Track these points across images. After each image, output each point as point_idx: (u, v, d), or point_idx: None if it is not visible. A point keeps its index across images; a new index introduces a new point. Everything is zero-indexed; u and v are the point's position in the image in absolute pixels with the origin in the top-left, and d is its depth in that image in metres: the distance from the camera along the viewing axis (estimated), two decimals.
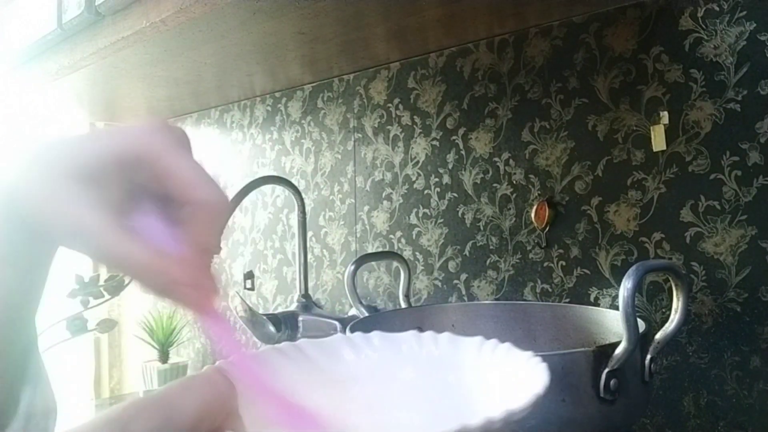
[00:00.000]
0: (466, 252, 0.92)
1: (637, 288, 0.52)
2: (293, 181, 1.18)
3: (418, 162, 0.99)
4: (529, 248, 0.85)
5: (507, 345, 0.36)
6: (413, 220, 1.00)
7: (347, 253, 1.12)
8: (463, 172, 0.93)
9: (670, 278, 0.56)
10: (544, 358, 0.34)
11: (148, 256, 0.29)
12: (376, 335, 0.40)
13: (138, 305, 1.69)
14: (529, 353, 0.34)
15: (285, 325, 1.00)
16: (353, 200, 1.11)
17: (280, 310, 1.07)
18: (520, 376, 0.33)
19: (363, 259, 0.87)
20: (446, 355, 0.38)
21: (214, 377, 0.29)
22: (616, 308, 0.53)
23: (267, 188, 1.30)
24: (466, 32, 0.89)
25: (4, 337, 0.34)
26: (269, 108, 1.29)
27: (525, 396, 0.29)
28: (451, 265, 0.94)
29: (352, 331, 0.63)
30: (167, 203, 0.31)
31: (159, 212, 0.31)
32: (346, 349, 0.39)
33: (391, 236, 1.04)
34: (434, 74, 0.97)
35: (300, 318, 1.04)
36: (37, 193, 0.29)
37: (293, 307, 1.08)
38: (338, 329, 1.04)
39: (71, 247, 0.30)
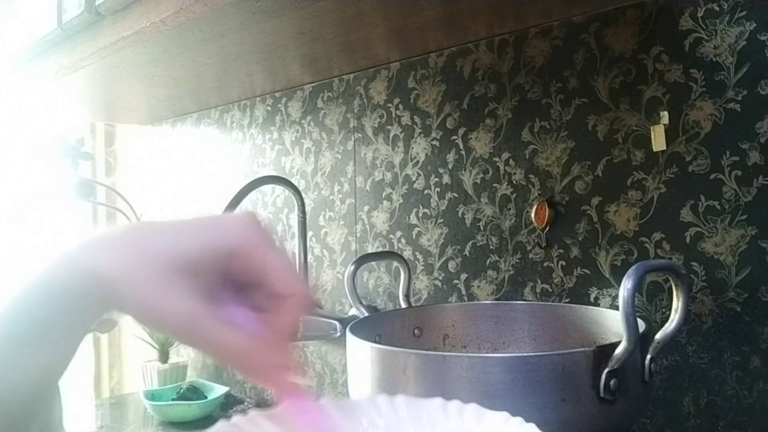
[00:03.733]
0: (466, 252, 0.92)
1: (637, 288, 0.52)
2: (293, 181, 1.18)
3: (418, 162, 0.99)
4: (529, 248, 0.85)
5: (532, 426, 0.36)
6: (413, 220, 1.00)
7: (347, 253, 1.12)
8: (463, 172, 0.93)
9: (670, 278, 0.56)
10: (544, 358, 0.34)
11: (239, 340, 0.32)
12: (401, 400, 0.40)
13: None
14: (532, 425, 0.34)
15: None
16: (353, 200, 1.11)
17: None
18: None
19: (363, 259, 0.87)
20: (470, 427, 0.39)
21: None
22: (616, 308, 0.53)
23: (267, 188, 1.30)
24: (466, 32, 0.89)
25: (40, 399, 0.35)
26: (269, 108, 1.29)
27: None
28: (451, 265, 0.94)
29: (353, 331, 0.63)
30: (248, 290, 0.34)
31: (242, 299, 0.34)
32: (370, 411, 0.40)
33: (391, 236, 1.04)
34: (434, 74, 0.97)
35: (300, 318, 1.03)
36: (145, 283, 0.31)
37: None
38: (338, 329, 1.04)
39: (160, 330, 0.33)
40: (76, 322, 0.33)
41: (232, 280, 0.34)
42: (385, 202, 1.05)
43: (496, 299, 0.88)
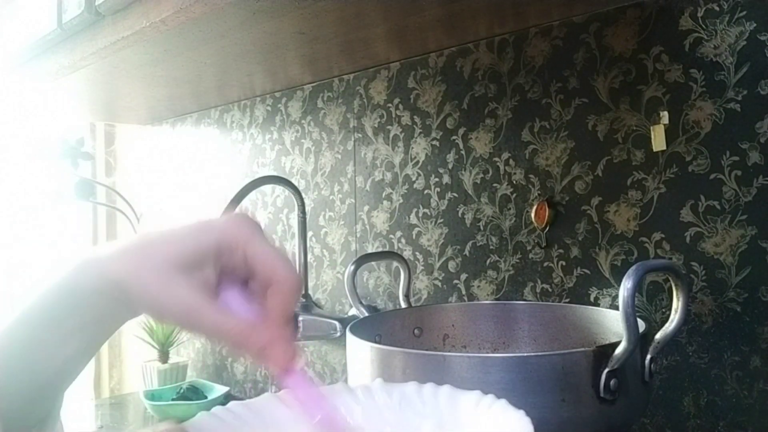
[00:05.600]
0: (466, 252, 0.92)
1: (637, 288, 0.52)
2: (293, 181, 1.18)
3: (418, 162, 0.99)
4: (529, 248, 0.85)
5: (503, 402, 0.38)
6: (413, 220, 1.00)
7: (347, 253, 1.12)
8: (463, 172, 0.93)
9: (670, 278, 0.56)
10: (544, 358, 0.34)
11: (242, 326, 0.36)
12: (377, 385, 0.42)
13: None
14: (521, 412, 0.37)
15: None
16: (353, 200, 1.11)
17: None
18: (509, 428, 0.36)
19: (363, 259, 0.87)
20: (444, 408, 0.41)
21: None
22: (616, 308, 0.53)
23: (267, 188, 1.30)
24: (466, 32, 0.89)
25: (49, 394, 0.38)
26: (269, 108, 1.29)
27: None
28: (451, 265, 0.94)
29: (353, 331, 0.63)
30: (245, 281, 0.38)
31: (242, 289, 0.38)
32: (346, 397, 0.41)
33: (391, 236, 1.04)
34: (434, 74, 0.97)
35: (300, 318, 1.04)
36: (150, 282, 0.35)
37: None
38: (338, 329, 1.04)
39: (167, 322, 0.37)
40: (92, 319, 0.37)
41: (230, 273, 0.38)
42: (385, 202, 1.05)
43: (496, 299, 0.88)
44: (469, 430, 0.39)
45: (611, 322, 0.68)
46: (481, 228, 0.90)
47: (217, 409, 0.38)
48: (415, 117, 1.00)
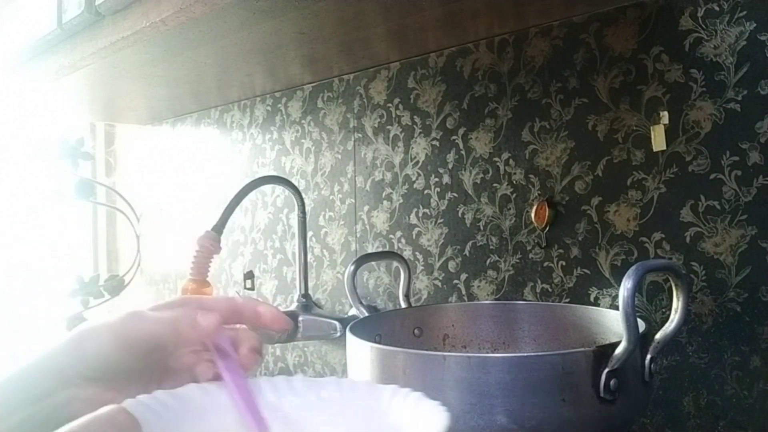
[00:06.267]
0: (466, 252, 0.92)
1: (637, 288, 0.52)
2: (293, 181, 1.18)
3: (418, 162, 1.00)
4: (529, 248, 0.85)
5: (418, 395, 0.41)
6: (413, 220, 1.00)
7: (347, 253, 1.12)
8: (463, 172, 0.93)
9: (670, 278, 0.56)
10: (544, 358, 0.34)
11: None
12: (298, 379, 0.45)
13: (138, 305, 1.69)
14: (437, 402, 0.38)
15: None
16: (353, 200, 1.11)
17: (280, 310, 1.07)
18: (426, 421, 0.38)
19: (363, 259, 0.87)
20: (363, 401, 0.43)
21: (118, 417, 0.33)
22: (616, 308, 0.53)
23: (267, 188, 1.30)
24: (466, 32, 0.89)
25: None
26: (269, 108, 1.29)
27: None
28: (451, 265, 0.94)
29: (353, 331, 0.63)
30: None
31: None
32: (268, 392, 0.43)
33: (391, 236, 1.04)
34: (434, 74, 0.97)
35: (300, 318, 1.04)
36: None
37: (293, 307, 1.08)
38: (338, 329, 1.04)
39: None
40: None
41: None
42: (385, 202, 1.05)
43: (496, 299, 0.88)
44: (387, 420, 0.41)
45: (611, 322, 0.68)
46: (481, 228, 0.90)
47: (143, 396, 0.39)
48: (415, 117, 1.00)
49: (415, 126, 1.00)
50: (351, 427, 0.41)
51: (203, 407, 0.41)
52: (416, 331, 0.78)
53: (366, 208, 1.08)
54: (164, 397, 0.40)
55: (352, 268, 0.81)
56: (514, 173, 0.87)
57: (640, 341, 0.53)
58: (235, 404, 0.41)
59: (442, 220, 0.96)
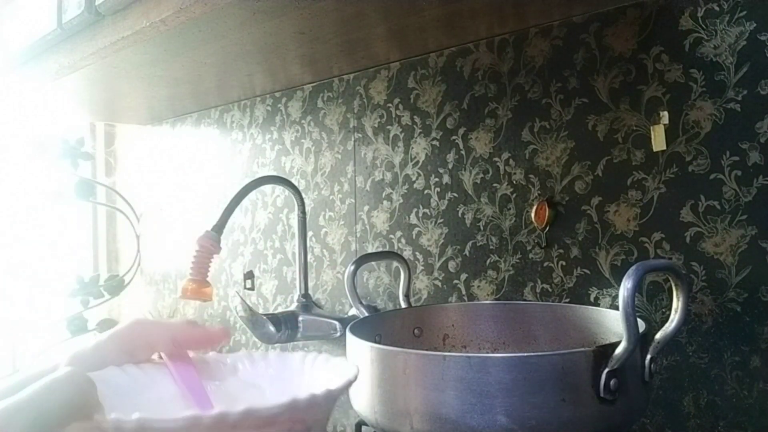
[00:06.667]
0: (466, 252, 0.92)
1: (637, 288, 0.52)
2: (293, 181, 1.18)
3: (418, 162, 0.99)
4: (529, 248, 0.85)
5: (325, 355, 0.47)
6: (413, 220, 1.00)
7: (347, 253, 1.12)
8: (463, 172, 0.93)
9: (670, 278, 0.56)
10: (544, 358, 0.34)
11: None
12: (239, 356, 0.51)
13: (138, 305, 1.69)
14: (342, 358, 0.45)
15: (285, 325, 1.00)
16: (353, 200, 1.11)
17: (280, 310, 1.07)
18: (337, 372, 0.43)
19: (363, 259, 0.87)
20: (277, 369, 0.49)
21: (75, 376, 0.34)
22: (616, 308, 0.53)
23: (267, 188, 1.30)
24: (466, 32, 0.89)
25: None
26: (269, 108, 1.29)
27: (340, 382, 0.39)
28: (451, 265, 0.94)
29: (353, 331, 0.64)
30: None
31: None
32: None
33: (391, 236, 1.04)
34: (434, 74, 0.97)
35: (300, 318, 1.04)
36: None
37: (293, 307, 1.08)
38: (338, 329, 1.04)
39: None
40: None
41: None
42: (385, 202, 1.05)
43: (496, 299, 0.88)
44: (301, 379, 0.47)
45: (611, 322, 0.68)
46: (481, 228, 0.90)
47: (112, 368, 0.45)
48: (415, 117, 1.00)
49: (415, 126, 1.00)
50: (272, 391, 0.48)
51: (152, 380, 0.47)
52: (416, 331, 0.78)
53: (366, 208, 1.08)
54: (115, 370, 0.45)
55: (352, 268, 0.81)
56: (514, 173, 0.87)
57: (640, 341, 0.53)
58: (177, 382, 0.47)
59: (442, 220, 0.96)
